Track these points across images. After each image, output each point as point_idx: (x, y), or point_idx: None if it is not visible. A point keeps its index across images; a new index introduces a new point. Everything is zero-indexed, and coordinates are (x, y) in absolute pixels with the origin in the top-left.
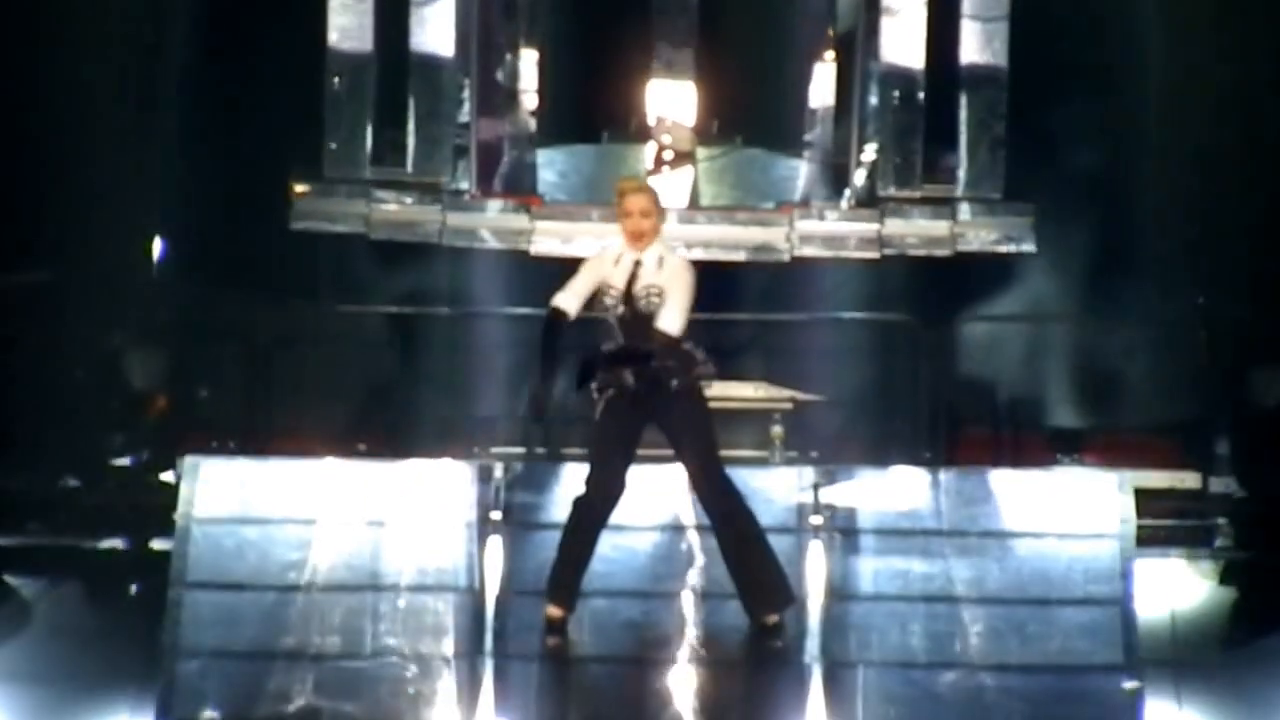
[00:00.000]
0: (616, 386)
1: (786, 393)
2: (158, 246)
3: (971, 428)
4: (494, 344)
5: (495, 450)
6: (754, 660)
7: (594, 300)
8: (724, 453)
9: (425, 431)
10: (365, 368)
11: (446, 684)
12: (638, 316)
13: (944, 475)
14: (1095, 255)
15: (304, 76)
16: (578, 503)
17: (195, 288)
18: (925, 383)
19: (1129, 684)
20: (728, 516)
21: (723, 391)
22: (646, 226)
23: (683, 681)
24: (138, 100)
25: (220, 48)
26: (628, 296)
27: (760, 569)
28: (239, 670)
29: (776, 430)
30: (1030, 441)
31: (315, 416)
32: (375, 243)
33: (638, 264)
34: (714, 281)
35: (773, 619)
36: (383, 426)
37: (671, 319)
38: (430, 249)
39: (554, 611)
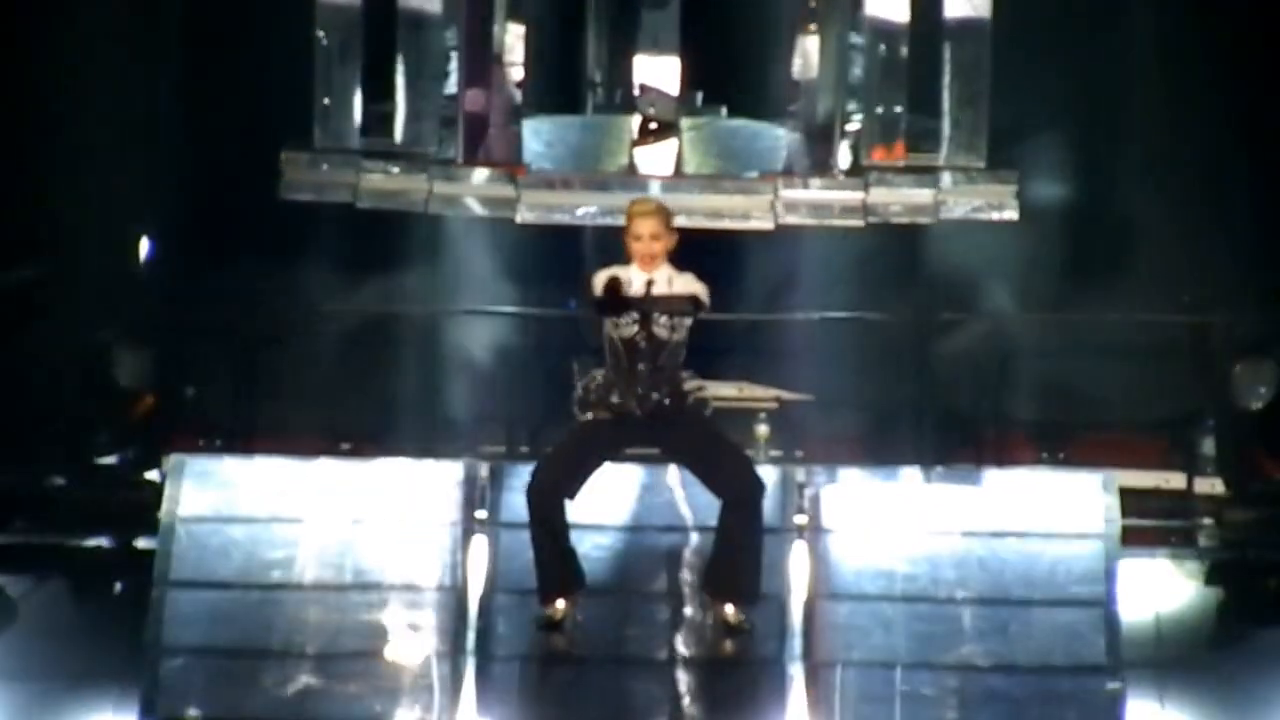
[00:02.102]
0: (617, 412)
1: (772, 392)
2: (144, 243)
3: (956, 426)
4: (480, 343)
5: (480, 449)
6: (736, 661)
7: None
8: None
9: (410, 430)
10: (351, 366)
11: (430, 684)
12: (653, 339)
13: (927, 474)
14: (1080, 252)
15: (293, 65)
16: (528, 496)
17: (182, 285)
18: (910, 381)
19: (1112, 685)
20: (740, 503)
21: (707, 391)
22: (658, 249)
23: (666, 682)
24: (123, 95)
25: (206, 41)
26: (644, 318)
27: (737, 559)
28: (222, 669)
29: (761, 430)
30: (1014, 440)
31: (301, 415)
32: (362, 241)
33: (650, 284)
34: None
35: (734, 616)
36: (368, 425)
37: (702, 292)
38: (418, 246)
39: (555, 609)
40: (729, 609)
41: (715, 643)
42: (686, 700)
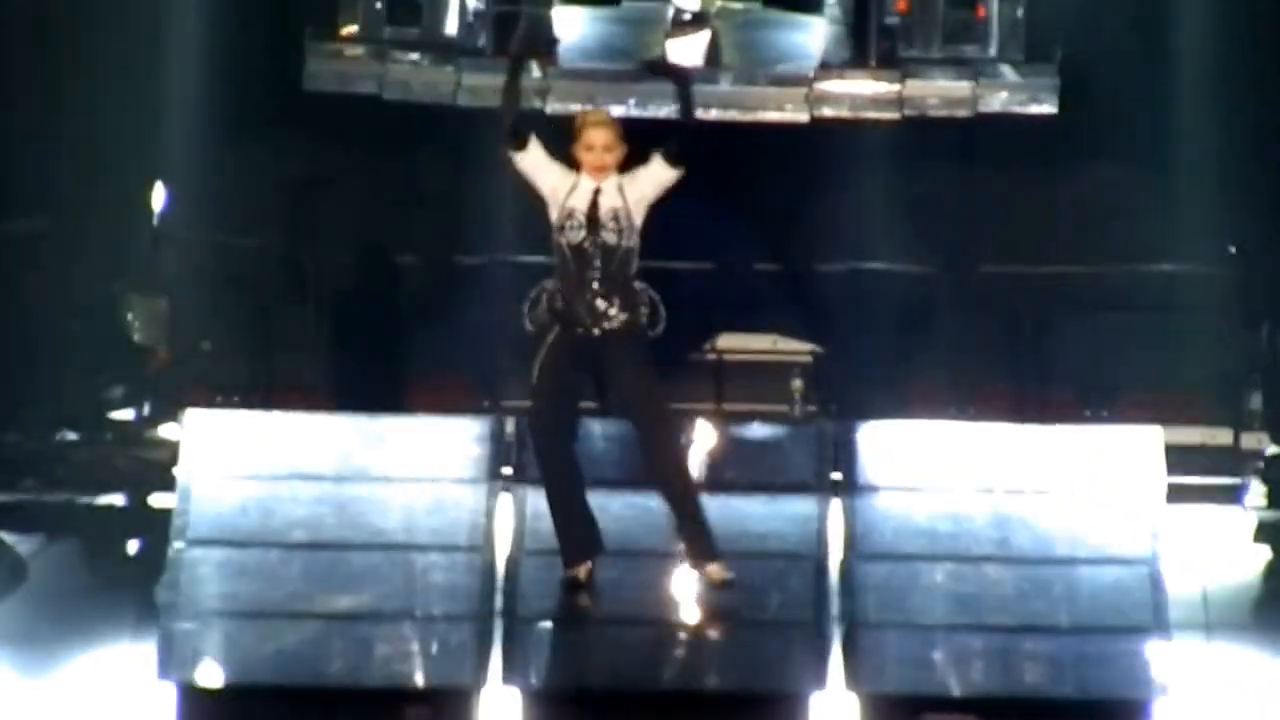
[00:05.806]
0: (566, 322)
1: (806, 346)
2: (160, 194)
3: (998, 382)
4: (504, 295)
5: (506, 404)
6: (774, 622)
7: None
8: (744, 407)
9: (434, 385)
10: (372, 319)
11: (455, 645)
12: (600, 245)
13: (969, 430)
14: (1126, 205)
15: None
16: (535, 453)
17: (198, 237)
18: (950, 335)
19: (1157, 645)
20: (672, 471)
21: (741, 345)
22: (610, 160)
23: (700, 643)
24: (141, 42)
25: None
26: (592, 223)
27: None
28: (240, 629)
29: (796, 384)
30: (1057, 396)
31: (320, 369)
32: (382, 191)
33: (598, 191)
34: (730, 225)
35: (720, 574)
36: (390, 379)
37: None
38: (443, 194)
39: (570, 572)
40: (713, 567)
41: (752, 604)
42: (722, 661)
